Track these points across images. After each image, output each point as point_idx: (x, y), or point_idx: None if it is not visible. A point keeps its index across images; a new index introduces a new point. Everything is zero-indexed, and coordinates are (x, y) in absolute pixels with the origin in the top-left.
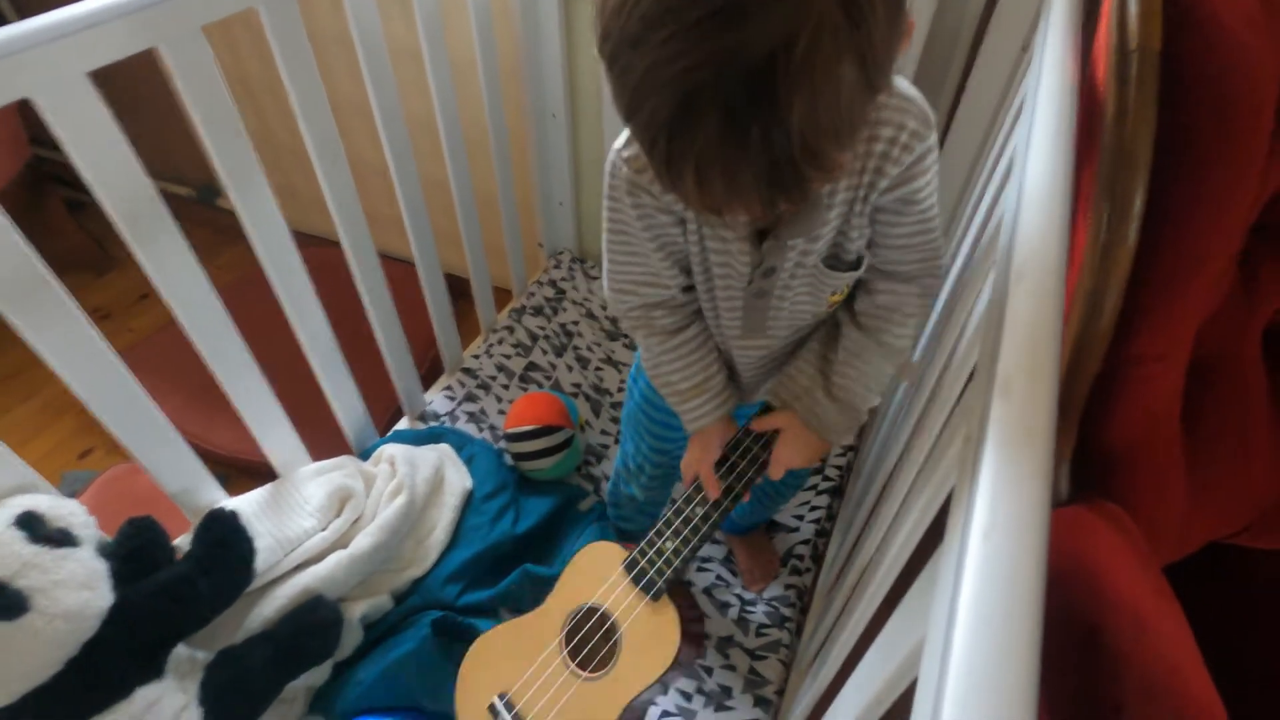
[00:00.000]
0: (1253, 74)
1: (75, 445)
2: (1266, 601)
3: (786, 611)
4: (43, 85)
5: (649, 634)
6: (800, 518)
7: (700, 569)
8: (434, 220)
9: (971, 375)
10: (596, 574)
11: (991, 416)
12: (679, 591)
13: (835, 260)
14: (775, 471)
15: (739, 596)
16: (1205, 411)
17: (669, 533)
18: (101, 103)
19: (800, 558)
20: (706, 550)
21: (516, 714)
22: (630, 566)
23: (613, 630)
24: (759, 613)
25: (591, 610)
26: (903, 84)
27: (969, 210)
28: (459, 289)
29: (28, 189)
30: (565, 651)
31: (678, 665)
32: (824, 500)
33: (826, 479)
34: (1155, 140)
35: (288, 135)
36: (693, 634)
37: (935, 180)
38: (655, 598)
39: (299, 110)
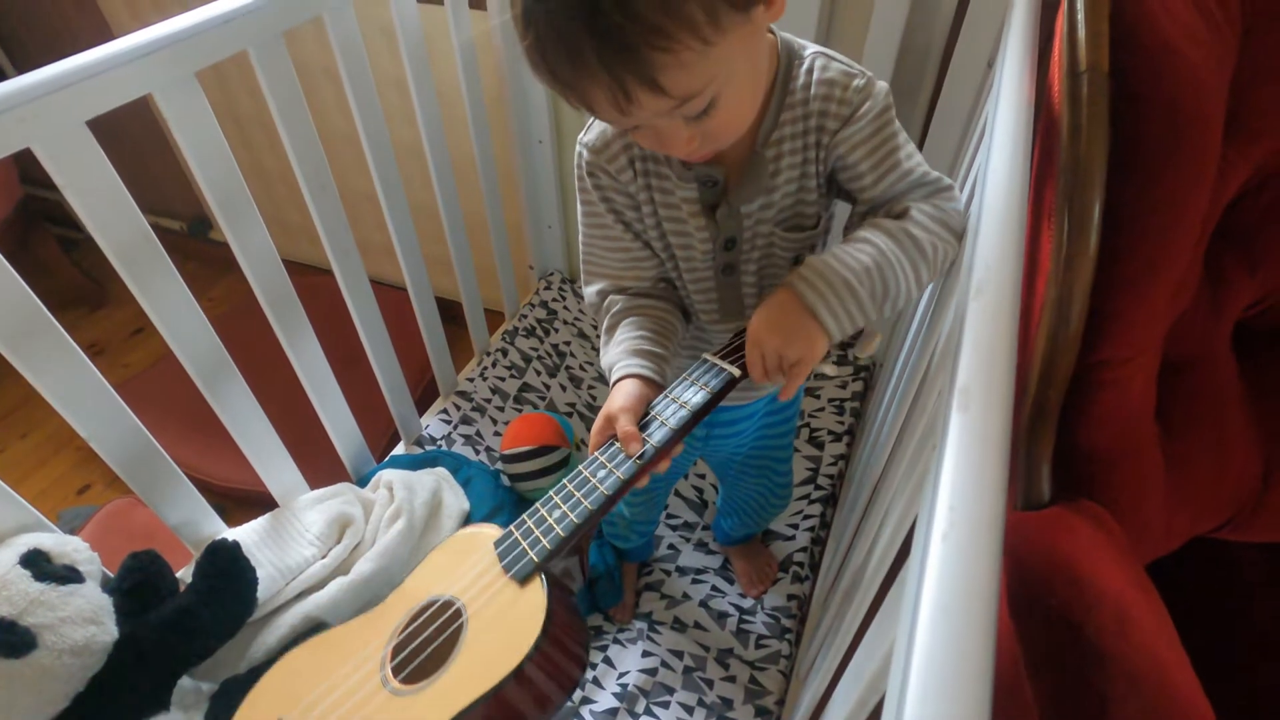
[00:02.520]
0: (1199, 88)
1: (73, 481)
2: (1253, 592)
3: (787, 622)
4: (44, 135)
5: (499, 625)
6: (795, 526)
7: (695, 581)
8: (424, 246)
9: (940, 392)
10: (460, 560)
11: (951, 426)
12: (563, 593)
13: (795, 226)
14: (751, 353)
15: (736, 606)
16: (1181, 411)
17: (557, 499)
18: (99, 149)
19: (800, 565)
20: (700, 562)
21: None
22: (501, 543)
23: (455, 621)
24: (758, 624)
25: (435, 603)
26: (853, 64)
27: None
28: (451, 313)
29: (20, 228)
30: (386, 657)
31: (535, 684)
32: (817, 510)
33: (819, 488)
34: (1110, 153)
35: (277, 166)
36: (565, 648)
37: (895, 129)
38: (521, 580)
39: (290, 146)
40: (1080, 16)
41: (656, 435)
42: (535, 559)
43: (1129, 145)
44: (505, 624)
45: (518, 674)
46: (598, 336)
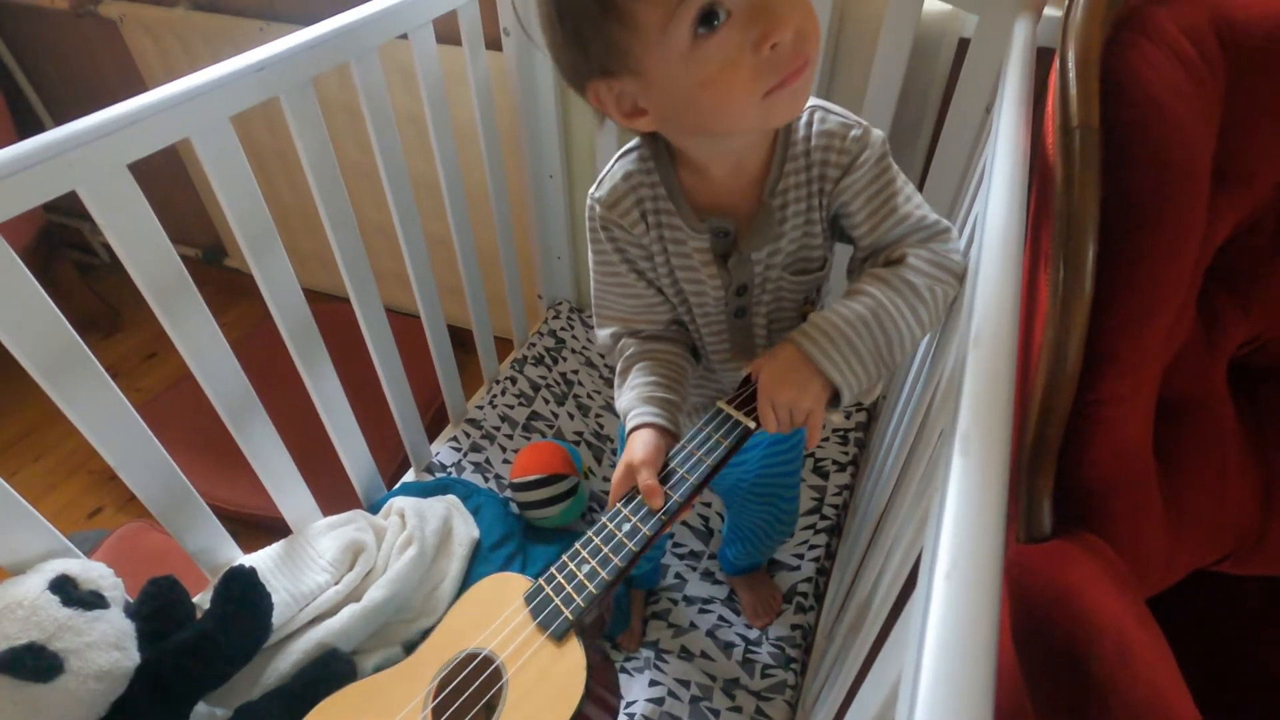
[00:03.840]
0: (1184, 140)
1: (85, 504)
2: (1255, 625)
3: (792, 652)
4: (88, 178)
5: (542, 685)
6: (800, 556)
7: (701, 610)
8: (437, 274)
9: (942, 432)
10: (490, 611)
11: (952, 470)
12: (595, 645)
13: (802, 270)
14: (762, 408)
15: (742, 636)
16: (1179, 447)
17: (585, 554)
18: (138, 190)
19: (805, 595)
20: (706, 591)
21: None
22: (532, 598)
23: (495, 682)
24: (764, 654)
25: (473, 658)
26: (849, 114)
27: None
28: (460, 340)
29: (42, 254)
30: (427, 712)
31: None
32: (822, 539)
33: (824, 518)
34: (1103, 201)
35: (294, 198)
36: (604, 702)
37: (892, 175)
38: (558, 638)
39: (315, 185)
40: (1072, 75)
41: (679, 490)
42: (570, 616)
43: (1120, 195)
44: (548, 684)
45: None
46: (606, 367)
